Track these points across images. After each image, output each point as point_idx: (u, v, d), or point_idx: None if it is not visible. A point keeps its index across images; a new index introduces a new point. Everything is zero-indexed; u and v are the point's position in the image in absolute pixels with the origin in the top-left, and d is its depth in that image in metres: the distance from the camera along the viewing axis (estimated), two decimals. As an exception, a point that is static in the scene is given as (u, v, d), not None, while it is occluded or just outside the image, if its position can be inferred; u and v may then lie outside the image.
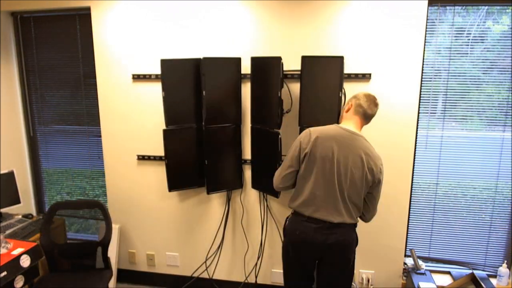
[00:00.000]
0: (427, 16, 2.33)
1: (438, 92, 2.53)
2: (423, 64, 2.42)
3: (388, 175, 2.51)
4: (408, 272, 2.63)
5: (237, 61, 2.48)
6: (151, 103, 2.72)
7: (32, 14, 2.94)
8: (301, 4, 2.41)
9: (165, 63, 2.40)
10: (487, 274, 2.62)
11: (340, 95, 2.22)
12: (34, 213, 3.23)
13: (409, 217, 2.63)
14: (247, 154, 2.66)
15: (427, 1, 2.29)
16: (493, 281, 2.56)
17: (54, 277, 2.38)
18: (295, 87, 2.46)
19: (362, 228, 2.61)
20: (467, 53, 2.46)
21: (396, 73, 2.38)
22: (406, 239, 2.66)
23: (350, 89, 2.44)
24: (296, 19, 2.44)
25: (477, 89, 2.48)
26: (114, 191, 2.94)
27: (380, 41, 2.37)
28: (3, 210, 2.74)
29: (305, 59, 2.29)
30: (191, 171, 2.62)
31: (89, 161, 3.12)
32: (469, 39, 2.44)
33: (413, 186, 2.63)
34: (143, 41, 2.66)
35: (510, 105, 2.47)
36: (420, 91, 2.44)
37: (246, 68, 2.53)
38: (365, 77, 2.41)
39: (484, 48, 2.44)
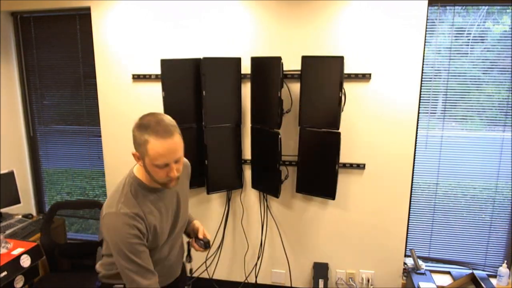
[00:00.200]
0: (427, 16, 2.33)
1: (438, 92, 2.53)
2: (423, 64, 2.42)
3: (388, 175, 2.51)
4: (408, 272, 2.63)
5: (237, 61, 2.48)
6: (151, 103, 2.72)
7: (32, 14, 2.94)
8: (301, 4, 2.41)
9: (165, 63, 2.40)
10: (487, 274, 2.62)
11: (340, 95, 2.22)
12: (34, 213, 3.23)
13: (409, 217, 2.63)
14: (247, 154, 2.66)
15: (427, 1, 2.29)
16: (493, 281, 2.56)
17: (54, 277, 2.38)
18: (295, 87, 2.46)
19: (362, 227, 2.62)
20: (467, 53, 2.46)
21: (396, 73, 2.38)
22: (406, 239, 2.66)
23: (350, 89, 2.44)
24: (296, 19, 2.44)
25: (477, 89, 2.48)
26: (114, 191, 2.93)
27: (380, 41, 2.37)
28: (3, 210, 2.74)
29: (305, 59, 2.29)
30: (194, 171, 2.61)
31: (89, 161, 3.12)
32: (469, 39, 2.44)
33: (413, 186, 2.63)
34: (143, 41, 2.65)
35: (510, 105, 2.47)
36: (420, 91, 2.44)
37: (246, 68, 2.53)
38: (365, 77, 2.41)
39: (484, 48, 2.44)
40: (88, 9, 2.72)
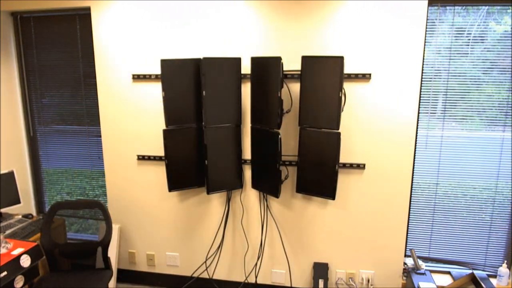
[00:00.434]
0: (427, 16, 2.33)
1: (438, 92, 2.53)
2: (423, 64, 2.42)
3: (388, 175, 2.51)
4: (408, 272, 2.63)
5: (237, 61, 2.48)
6: (151, 103, 2.72)
7: (32, 14, 2.94)
8: (301, 4, 2.41)
9: (165, 63, 2.41)
10: (487, 274, 2.62)
11: (340, 95, 2.22)
12: (34, 213, 3.23)
13: (409, 217, 2.63)
14: (247, 154, 2.66)
15: (427, 1, 2.29)
16: (493, 281, 2.56)
17: (54, 277, 2.38)
18: (295, 87, 2.46)
19: (362, 227, 2.62)
20: (467, 53, 2.46)
21: (396, 73, 2.39)
22: (406, 239, 2.66)
23: (350, 89, 2.44)
24: (296, 19, 2.44)
25: (477, 89, 2.48)
26: (114, 191, 2.94)
27: (380, 41, 2.37)
28: (3, 210, 2.74)
29: (305, 59, 2.29)
30: (191, 171, 2.62)
31: (89, 161, 3.12)
32: (469, 39, 2.44)
33: (413, 186, 2.63)
34: (143, 41, 2.66)
35: (510, 105, 2.47)
36: (420, 91, 2.44)
37: (246, 68, 2.53)
38: (365, 77, 2.41)
39: (484, 48, 2.44)
40: (88, 9, 2.72)
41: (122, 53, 2.70)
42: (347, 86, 2.43)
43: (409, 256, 2.71)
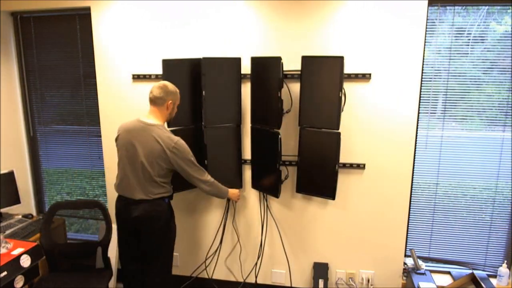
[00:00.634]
0: (427, 16, 2.33)
1: (438, 92, 2.53)
2: (423, 64, 2.42)
3: (388, 175, 2.51)
4: (408, 272, 2.63)
5: (237, 61, 2.48)
6: (151, 103, 2.72)
7: (32, 14, 2.94)
8: (301, 4, 2.41)
9: (166, 63, 2.40)
10: (487, 274, 2.62)
11: (340, 95, 2.22)
12: (34, 213, 3.23)
13: (409, 217, 2.63)
14: (247, 154, 2.66)
15: (427, 1, 2.29)
16: (493, 281, 2.56)
17: (54, 277, 2.38)
18: (295, 87, 2.46)
19: (362, 227, 2.62)
20: (467, 53, 2.46)
21: (396, 73, 2.38)
22: (406, 239, 2.66)
23: (350, 89, 2.44)
24: (296, 19, 2.44)
25: (477, 89, 2.48)
26: (114, 191, 2.93)
27: (380, 41, 2.37)
28: (3, 210, 2.74)
29: (305, 59, 2.29)
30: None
31: (89, 161, 3.12)
32: (469, 39, 2.44)
33: (413, 186, 2.63)
34: (143, 41, 2.66)
35: (510, 105, 2.47)
36: (420, 91, 2.44)
37: (246, 68, 2.53)
38: (365, 77, 2.41)
39: (484, 48, 2.44)
40: (88, 9, 2.72)
41: (122, 53, 2.70)
42: (347, 86, 2.43)
43: (409, 256, 2.71)
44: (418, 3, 2.29)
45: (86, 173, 3.16)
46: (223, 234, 2.83)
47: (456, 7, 2.42)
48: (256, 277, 2.84)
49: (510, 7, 2.36)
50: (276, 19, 2.46)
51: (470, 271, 2.63)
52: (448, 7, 2.42)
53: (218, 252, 2.87)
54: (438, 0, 2.39)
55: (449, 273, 2.70)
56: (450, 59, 2.47)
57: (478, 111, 2.51)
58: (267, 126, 2.41)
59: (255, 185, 2.65)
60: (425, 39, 2.35)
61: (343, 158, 2.52)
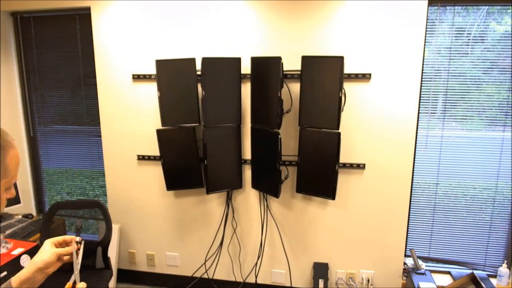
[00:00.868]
0: (427, 16, 2.33)
1: (438, 92, 2.53)
2: (423, 64, 2.42)
3: (388, 175, 2.51)
4: (408, 272, 2.63)
5: (237, 61, 2.47)
6: (151, 103, 2.72)
7: (32, 14, 2.94)
8: (301, 4, 2.41)
9: (160, 63, 2.41)
10: (487, 274, 2.62)
11: (340, 95, 2.22)
12: (34, 213, 3.23)
13: (409, 217, 2.63)
14: (247, 154, 2.66)
15: (427, 1, 2.29)
16: (493, 281, 2.56)
17: (54, 277, 2.38)
18: (295, 87, 2.46)
19: (362, 227, 2.62)
20: (467, 53, 2.46)
21: (396, 73, 2.38)
22: (406, 239, 2.66)
23: (350, 89, 2.44)
24: (297, 19, 2.44)
25: (477, 89, 2.48)
26: (114, 191, 2.94)
27: (381, 41, 2.37)
28: (3, 210, 2.74)
29: (305, 59, 2.29)
30: (190, 171, 2.62)
31: (89, 161, 3.12)
32: (469, 39, 2.44)
33: (413, 186, 2.63)
34: (143, 41, 2.66)
35: (510, 105, 2.47)
36: (420, 91, 2.44)
37: (246, 68, 2.53)
38: (365, 77, 2.41)
39: (484, 48, 2.44)
40: (88, 9, 2.72)
41: (122, 53, 2.70)
42: (347, 86, 2.43)
43: (409, 256, 2.71)
44: (418, 3, 2.29)
45: (86, 173, 3.16)
46: (223, 234, 2.83)
47: (456, 7, 2.42)
48: (256, 277, 2.84)
49: (510, 7, 2.36)
50: (276, 19, 2.46)
51: (470, 271, 2.63)
52: (448, 7, 2.42)
53: (219, 252, 2.87)
54: (438, 0, 2.39)
55: (449, 273, 2.70)
56: (450, 59, 2.47)
57: (478, 111, 2.51)
58: (267, 126, 2.41)
59: (255, 185, 2.65)
60: (425, 39, 2.35)
61: (343, 158, 2.52)
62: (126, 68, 2.72)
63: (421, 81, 2.43)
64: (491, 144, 2.53)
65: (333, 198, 2.39)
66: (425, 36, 2.35)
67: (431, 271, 2.67)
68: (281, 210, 2.71)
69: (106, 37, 2.71)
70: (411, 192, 2.61)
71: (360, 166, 2.52)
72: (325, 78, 2.25)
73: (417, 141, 2.55)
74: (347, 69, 2.41)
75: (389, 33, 2.35)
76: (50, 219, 2.49)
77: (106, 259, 2.51)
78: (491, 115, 2.50)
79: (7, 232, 2.51)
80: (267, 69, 2.34)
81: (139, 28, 2.64)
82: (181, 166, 2.60)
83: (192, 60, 2.45)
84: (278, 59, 2.25)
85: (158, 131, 2.53)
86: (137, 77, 2.70)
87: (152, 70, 2.67)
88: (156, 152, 2.78)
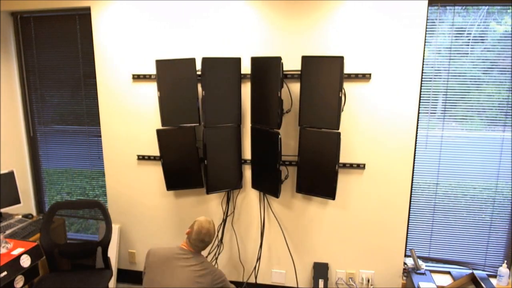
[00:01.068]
0: (427, 16, 2.33)
1: (438, 92, 2.53)
2: (423, 64, 2.42)
3: (388, 175, 2.51)
4: (408, 272, 2.63)
5: (237, 61, 2.48)
6: (151, 103, 2.72)
7: (32, 14, 2.94)
8: (301, 3, 2.41)
9: (160, 63, 2.41)
10: (487, 274, 2.62)
11: (340, 95, 2.22)
12: (34, 213, 3.23)
13: (409, 217, 2.63)
14: (247, 154, 2.66)
15: (427, 1, 2.29)
16: (493, 281, 2.56)
17: (54, 277, 2.38)
18: (295, 87, 2.46)
19: (362, 227, 2.62)
20: (467, 53, 2.46)
21: (396, 73, 2.39)
22: (406, 239, 2.66)
23: (350, 89, 2.44)
24: (296, 19, 2.44)
25: (477, 89, 2.48)
26: (114, 191, 2.94)
27: (380, 41, 2.37)
28: (3, 210, 2.74)
29: (305, 59, 2.29)
30: (190, 171, 2.62)
31: (89, 161, 3.12)
32: (469, 39, 2.44)
33: (413, 186, 2.63)
34: (143, 41, 2.66)
35: (510, 105, 2.47)
36: (420, 91, 2.44)
37: (246, 68, 2.53)
38: (365, 77, 2.41)
39: (484, 48, 2.44)
40: (88, 9, 2.72)
41: (122, 53, 2.70)
42: (347, 86, 2.43)
43: (409, 256, 2.71)
44: (418, 3, 2.29)
45: (86, 173, 3.16)
46: (223, 234, 2.83)
47: (456, 7, 2.42)
48: (256, 277, 2.84)
49: (510, 7, 2.36)
50: (276, 19, 2.46)
51: (470, 271, 2.63)
52: (448, 7, 2.42)
53: (219, 252, 2.87)
54: (438, 0, 2.39)
55: (449, 273, 2.70)
56: (450, 59, 2.48)
57: (478, 111, 2.51)
58: (267, 126, 2.41)
59: (255, 185, 2.65)
60: (425, 39, 2.35)
61: (343, 158, 2.52)
62: (126, 68, 2.72)
63: (421, 81, 2.43)
64: (491, 144, 2.53)
65: (333, 198, 2.39)
66: (425, 36, 2.35)
67: (431, 271, 2.67)
68: (281, 210, 2.71)
69: (106, 37, 2.71)
70: (411, 192, 2.61)
71: (360, 166, 2.52)
72: (325, 78, 2.25)
73: (417, 141, 2.55)
74: (347, 69, 2.41)
75: (389, 33, 2.35)
76: (50, 219, 2.49)
77: (106, 259, 2.51)
78: (491, 115, 2.50)
79: (7, 232, 2.51)
80: (267, 69, 2.35)
81: (139, 28, 2.64)
82: (181, 166, 2.60)
83: (192, 60, 2.45)
84: (278, 59, 2.25)
85: (158, 131, 2.53)
86: (137, 77, 2.71)
87: (152, 70, 2.67)
88: (156, 152, 2.78)
